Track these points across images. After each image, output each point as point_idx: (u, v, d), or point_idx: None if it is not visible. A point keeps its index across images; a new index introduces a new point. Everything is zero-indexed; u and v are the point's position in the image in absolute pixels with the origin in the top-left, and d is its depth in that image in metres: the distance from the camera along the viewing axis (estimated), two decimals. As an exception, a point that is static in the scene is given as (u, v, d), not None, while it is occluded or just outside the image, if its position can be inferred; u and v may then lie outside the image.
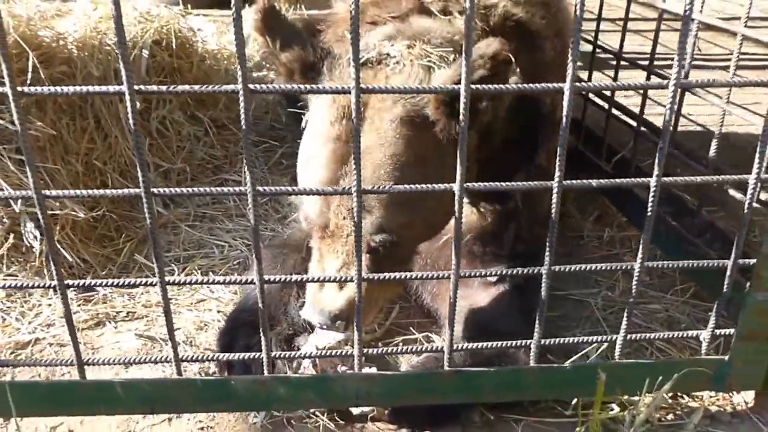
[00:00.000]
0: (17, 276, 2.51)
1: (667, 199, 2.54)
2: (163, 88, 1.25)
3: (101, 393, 1.72)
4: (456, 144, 1.50)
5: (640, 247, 1.66)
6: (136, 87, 1.36)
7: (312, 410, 1.92)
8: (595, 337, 1.83)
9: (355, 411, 1.91)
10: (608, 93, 3.07)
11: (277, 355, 1.76)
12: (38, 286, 1.41)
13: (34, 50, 2.60)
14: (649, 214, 1.61)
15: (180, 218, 3.04)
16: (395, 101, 1.83)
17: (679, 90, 1.61)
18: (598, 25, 3.11)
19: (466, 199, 1.93)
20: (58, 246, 2.52)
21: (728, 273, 1.76)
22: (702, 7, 2.21)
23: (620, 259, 2.81)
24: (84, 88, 1.32)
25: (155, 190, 1.48)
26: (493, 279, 2.25)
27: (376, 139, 1.82)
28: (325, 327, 1.89)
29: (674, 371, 1.82)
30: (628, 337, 1.81)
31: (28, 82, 2.57)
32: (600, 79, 3.33)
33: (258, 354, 1.69)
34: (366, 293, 1.73)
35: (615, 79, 3.05)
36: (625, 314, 1.77)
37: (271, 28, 1.86)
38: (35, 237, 2.50)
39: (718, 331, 1.87)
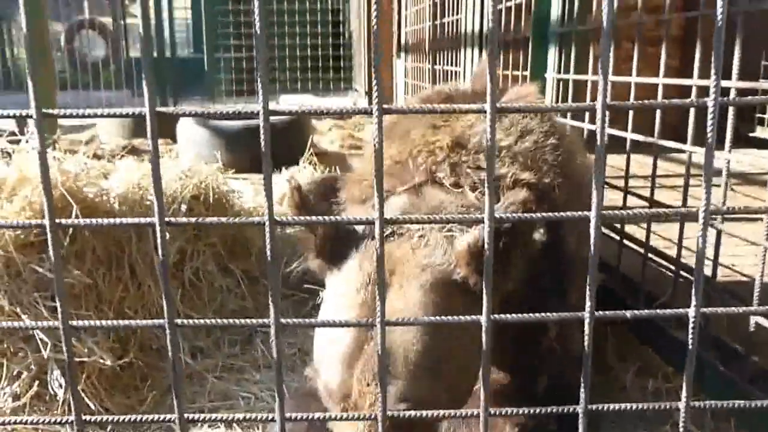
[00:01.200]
0: (37, 424, 2.45)
1: (713, 343, 2.42)
2: (192, 219, 1.29)
3: None
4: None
5: (684, 383, 1.55)
6: (166, 219, 1.41)
7: None
8: (644, 490, 1.66)
9: None
10: (643, 239, 3.07)
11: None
12: (55, 422, 1.37)
13: (78, 204, 2.74)
14: (690, 347, 1.52)
15: (207, 369, 3.00)
16: (423, 268, 1.85)
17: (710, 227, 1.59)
18: (626, 181, 3.21)
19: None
20: (82, 394, 2.48)
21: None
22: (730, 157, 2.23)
23: (667, 410, 2.63)
24: (117, 220, 1.37)
25: (179, 321, 1.47)
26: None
27: (403, 304, 1.81)
28: None
29: None
30: (682, 490, 1.64)
31: (70, 232, 2.68)
32: (631, 230, 3.34)
33: (276, 504, 1.57)
34: None
35: (648, 228, 3.06)
36: (676, 462, 1.62)
37: (305, 205, 1.93)
38: (60, 385, 2.48)
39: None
